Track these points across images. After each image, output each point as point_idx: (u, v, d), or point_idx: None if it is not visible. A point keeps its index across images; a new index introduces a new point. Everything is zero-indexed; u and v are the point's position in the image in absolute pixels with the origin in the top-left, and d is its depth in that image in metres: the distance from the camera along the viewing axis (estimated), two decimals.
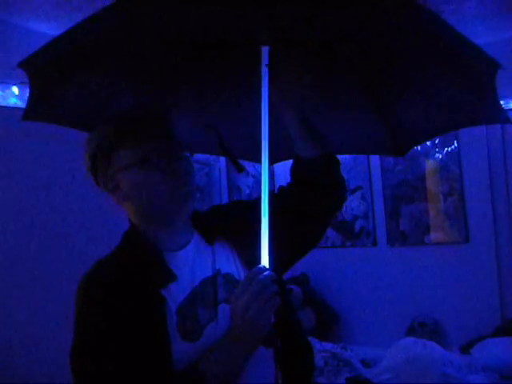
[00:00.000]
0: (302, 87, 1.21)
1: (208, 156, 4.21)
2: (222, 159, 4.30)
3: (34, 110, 1.22)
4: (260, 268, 1.01)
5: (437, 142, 4.10)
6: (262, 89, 1.07)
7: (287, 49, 1.14)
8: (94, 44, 1.08)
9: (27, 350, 2.75)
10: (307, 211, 1.25)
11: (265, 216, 1.04)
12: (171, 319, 1.04)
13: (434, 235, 4.13)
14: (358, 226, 4.54)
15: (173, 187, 1.09)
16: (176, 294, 1.07)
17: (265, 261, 1.03)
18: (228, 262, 1.18)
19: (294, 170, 1.30)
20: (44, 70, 1.13)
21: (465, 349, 3.50)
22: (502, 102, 3.90)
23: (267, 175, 1.07)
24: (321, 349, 3.41)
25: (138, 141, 1.10)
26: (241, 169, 1.23)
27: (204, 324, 1.07)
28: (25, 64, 1.09)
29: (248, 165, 4.60)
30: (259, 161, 1.08)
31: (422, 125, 1.41)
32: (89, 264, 1.11)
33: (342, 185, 1.34)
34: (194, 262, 1.14)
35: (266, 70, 1.08)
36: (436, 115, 1.33)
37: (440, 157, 4.10)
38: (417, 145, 1.48)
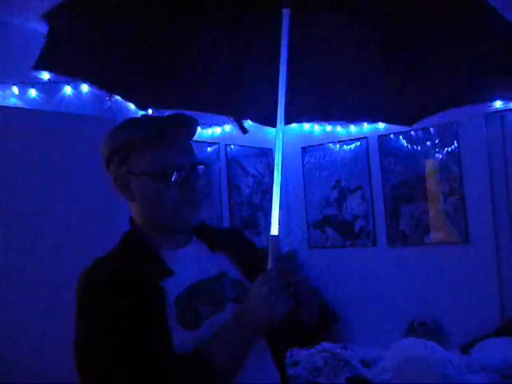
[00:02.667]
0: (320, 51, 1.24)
1: (208, 156, 4.22)
2: (223, 159, 4.30)
3: (46, 58, 1.23)
4: (288, 265, 1.03)
5: (437, 142, 4.10)
6: (282, 48, 1.07)
7: (308, 12, 1.14)
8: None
9: (25, 350, 2.75)
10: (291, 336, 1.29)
11: (277, 184, 1.10)
12: (170, 308, 1.07)
13: (434, 235, 4.13)
14: (357, 226, 4.55)
15: (182, 202, 1.13)
16: (174, 287, 1.10)
17: (274, 227, 1.06)
18: (233, 269, 1.22)
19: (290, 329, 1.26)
20: (62, 21, 1.13)
21: (465, 349, 3.50)
22: (501, 103, 3.86)
23: (281, 138, 1.11)
24: (321, 349, 3.41)
25: (162, 150, 1.12)
26: (245, 130, 1.25)
27: (204, 317, 1.09)
28: (50, 16, 1.10)
29: (248, 165, 4.61)
30: (269, 123, 1.07)
31: (435, 96, 1.43)
32: (86, 263, 1.13)
33: (328, 324, 1.37)
34: (194, 261, 1.18)
35: (287, 23, 1.08)
36: (449, 89, 1.35)
37: (440, 157, 4.10)
38: (428, 116, 1.49)
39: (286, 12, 1.08)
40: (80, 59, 1.33)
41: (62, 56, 1.26)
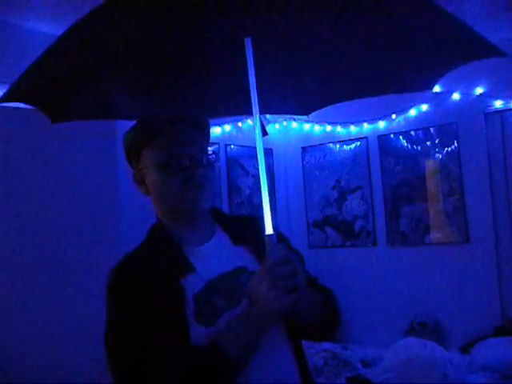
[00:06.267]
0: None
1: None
2: (223, 159, 4.30)
3: (56, 115, 1.35)
4: (281, 257, 1.06)
5: (437, 142, 4.11)
6: (250, 77, 1.15)
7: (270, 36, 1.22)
8: (88, 50, 1.14)
9: (24, 351, 2.76)
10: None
11: (263, 175, 1.16)
12: (189, 305, 1.13)
13: (434, 235, 4.13)
14: (357, 226, 4.55)
15: (184, 189, 1.20)
16: (194, 283, 1.15)
17: (268, 226, 1.10)
18: (254, 263, 1.24)
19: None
20: (45, 87, 1.23)
21: (465, 349, 3.50)
22: (502, 102, 3.87)
23: (260, 131, 1.16)
24: (321, 349, 3.41)
25: (164, 144, 1.22)
26: (265, 132, 1.30)
27: (221, 312, 1.15)
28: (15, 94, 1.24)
29: (248, 165, 4.60)
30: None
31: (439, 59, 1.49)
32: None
33: (337, 321, 1.40)
34: (215, 256, 1.24)
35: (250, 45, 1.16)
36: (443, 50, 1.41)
37: (440, 157, 4.10)
38: (440, 77, 1.54)
39: (247, 41, 1.15)
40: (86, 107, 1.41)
41: (70, 109, 1.36)
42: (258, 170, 1.22)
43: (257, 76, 1.16)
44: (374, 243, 4.44)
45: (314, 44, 1.42)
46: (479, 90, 3.87)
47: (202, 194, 1.21)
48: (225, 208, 4.27)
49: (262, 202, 1.13)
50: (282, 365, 1.18)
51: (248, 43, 1.16)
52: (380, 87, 1.69)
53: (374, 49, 1.45)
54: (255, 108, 1.15)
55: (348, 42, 1.41)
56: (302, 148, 4.81)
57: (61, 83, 1.22)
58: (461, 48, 1.37)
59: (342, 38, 1.40)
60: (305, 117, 4.35)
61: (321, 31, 1.35)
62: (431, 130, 4.13)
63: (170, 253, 1.19)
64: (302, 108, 1.77)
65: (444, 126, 4.06)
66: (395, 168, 4.31)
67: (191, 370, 1.06)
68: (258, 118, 1.15)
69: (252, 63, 1.15)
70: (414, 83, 1.62)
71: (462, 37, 1.29)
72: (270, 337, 1.12)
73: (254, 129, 1.16)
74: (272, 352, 1.16)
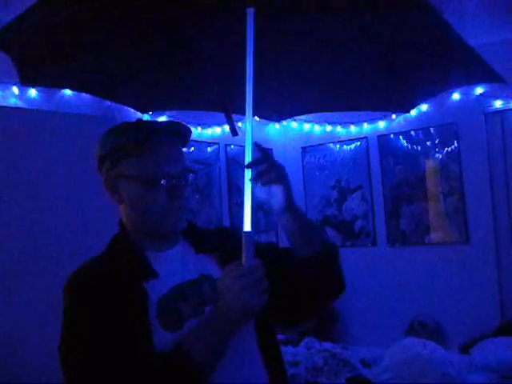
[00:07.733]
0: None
1: (208, 156, 4.22)
2: (223, 159, 4.30)
3: (29, 74, 1.33)
4: (254, 262, 1.04)
5: (437, 141, 4.11)
6: (248, 46, 1.12)
7: (274, 10, 1.19)
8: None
9: (26, 350, 2.76)
10: (301, 296, 1.30)
11: (248, 182, 1.13)
12: (152, 310, 1.08)
13: (434, 235, 4.13)
14: (357, 226, 4.55)
15: (169, 208, 1.15)
16: (157, 289, 1.11)
17: (247, 224, 1.09)
18: (218, 271, 1.20)
19: (293, 267, 1.28)
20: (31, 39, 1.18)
21: (465, 349, 3.50)
22: (502, 102, 3.87)
23: (251, 131, 1.13)
24: (321, 349, 3.40)
25: (152, 158, 1.13)
26: (235, 132, 1.28)
27: (185, 319, 1.10)
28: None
29: None
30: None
31: (424, 84, 1.51)
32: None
33: (340, 276, 1.39)
34: (178, 263, 1.19)
35: (252, 24, 1.12)
36: (434, 76, 1.44)
37: (440, 157, 4.10)
38: (420, 103, 1.55)
39: (250, 11, 1.11)
40: (68, 68, 1.37)
41: (49, 68, 1.31)
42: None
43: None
44: (374, 243, 4.44)
45: (301, 53, 1.43)
46: (479, 90, 3.87)
47: (183, 215, 1.17)
48: (225, 208, 4.28)
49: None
50: (247, 374, 1.13)
51: (250, 14, 1.12)
52: (362, 104, 1.68)
53: (365, 67, 1.45)
54: (249, 87, 1.10)
55: (336, 58, 1.43)
56: (302, 148, 4.81)
57: (38, 32, 1.22)
58: (456, 75, 1.37)
59: (331, 54, 1.41)
60: (304, 116, 4.36)
61: (309, 47, 1.36)
62: (431, 130, 4.13)
63: (133, 257, 1.15)
64: (277, 114, 1.75)
65: (444, 126, 4.06)
66: (395, 168, 4.32)
67: (155, 375, 1.00)
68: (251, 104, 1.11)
69: (252, 36, 1.11)
70: (398, 106, 1.63)
71: (459, 64, 1.29)
72: (237, 343, 1.07)
73: (246, 107, 1.12)
74: (237, 360, 1.11)
